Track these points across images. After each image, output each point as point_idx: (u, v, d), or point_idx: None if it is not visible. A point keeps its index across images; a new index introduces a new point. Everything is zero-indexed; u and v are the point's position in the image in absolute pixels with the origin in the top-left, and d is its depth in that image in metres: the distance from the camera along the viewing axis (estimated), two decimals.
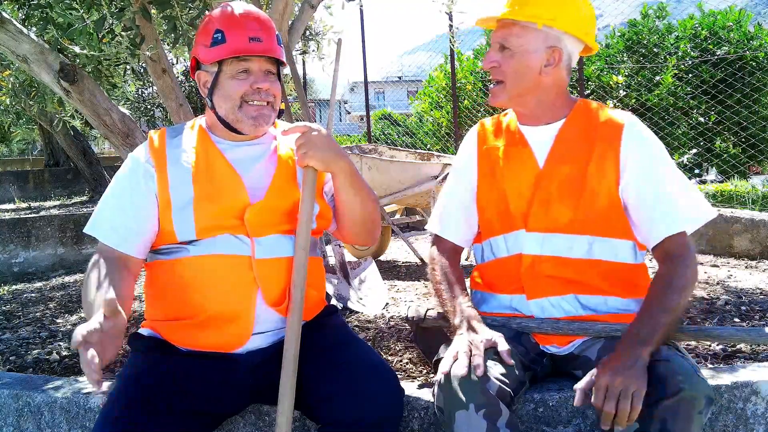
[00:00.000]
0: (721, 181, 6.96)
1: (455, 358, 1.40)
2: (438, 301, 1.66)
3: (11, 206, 8.35)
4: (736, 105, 7.43)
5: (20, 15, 2.94)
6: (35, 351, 2.72)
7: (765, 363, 1.91)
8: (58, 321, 3.32)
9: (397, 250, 5.23)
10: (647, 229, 1.54)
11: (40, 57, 2.64)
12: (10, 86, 3.71)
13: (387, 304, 3.09)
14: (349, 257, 4.61)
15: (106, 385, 1.97)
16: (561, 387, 1.67)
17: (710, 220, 1.54)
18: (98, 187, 8.34)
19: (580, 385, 1.33)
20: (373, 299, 3.13)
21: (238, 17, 1.56)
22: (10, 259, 5.24)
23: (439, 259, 1.72)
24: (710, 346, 2.18)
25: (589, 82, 8.23)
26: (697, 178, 7.72)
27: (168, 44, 3.11)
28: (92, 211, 1.72)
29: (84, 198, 8.77)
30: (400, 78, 26.58)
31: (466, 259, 4.25)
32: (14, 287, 4.56)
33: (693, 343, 2.17)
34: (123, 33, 2.51)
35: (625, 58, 8.43)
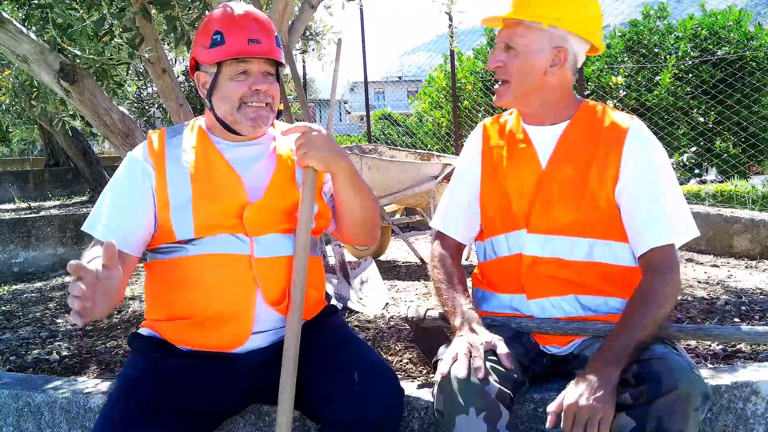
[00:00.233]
0: (721, 181, 6.96)
1: (454, 359, 1.40)
2: (438, 300, 1.66)
3: (11, 206, 8.35)
4: (736, 105, 7.43)
5: (20, 15, 2.94)
6: (35, 351, 2.72)
7: (765, 363, 1.91)
8: (58, 321, 3.32)
9: (397, 250, 5.23)
10: (634, 236, 1.54)
11: (40, 57, 2.64)
12: (9, 86, 3.71)
13: (387, 304, 3.09)
14: (349, 257, 4.61)
15: (106, 385, 1.98)
16: (561, 387, 1.65)
17: (695, 236, 1.54)
18: (98, 187, 8.34)
19: (551, 408, 1.33)
20: (373, 299, 3.13)
21: (238, 18, 1.56)
22: (10, 259, 5.24)
23: (441, 258, 1.71)
24: (710, 346, 2.18)
25: (589, 83, 8.23)
26: (697, 178, 7.72)
27: (168, 44, 3.11)
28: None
29: (84, 198, 8.76)
30: (400, 78, 26.58)
31: (467, 259, 4.25)
32: (14, 287, 4.56)
33: (693, 343, 2.17)
34: (123, 33, 2.51)
35: (625, 58, 8.43)
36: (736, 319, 2.55)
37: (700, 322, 2.51)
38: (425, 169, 4.33)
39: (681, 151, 7.86)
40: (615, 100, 8.14)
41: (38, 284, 4.60)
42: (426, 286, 3.49)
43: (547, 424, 1.32)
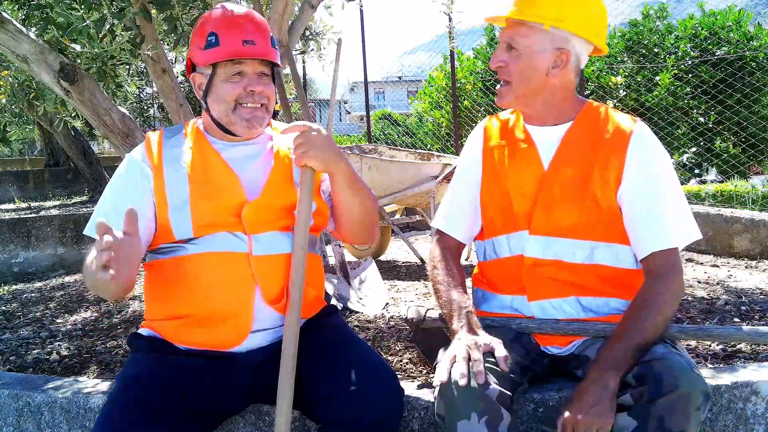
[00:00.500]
0: (721, 181, 6.95)
1: (453, 362, 1.39)
2: (437, 301, 1.65)
3: (11, 206, 8.35)
4: (736, 105, 7.43)
5: (20, 15, 2.94)
6: (35, 351, 2.72)
7: (765, 363, 1.91)
8: (58, 321, 3.31)
9: (397, 250, 5.23)
10: (636, 240, 1.53)
11: (40, 57, 2.64)
12: (8, 86, 3.71)
13: (387, 304, 3.09)
14: (349, 257, 4.61)
15: (106, 385, 1.98)
16: (561, 387, 1.67)
17: (698, 239, 1.54)
18: (98, 187, 8.34)
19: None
20: (373, 299, 3.13)
21: (232, 19, 1.56)
22: (10, 259, 5.24)
23: (441, 258, 1.70)
24: (710, 346, 2.18)
25: (589, 83, 8.23)
26: (697, 178, 7.71)
27: (168, 44, 3.11)
28: (92, 211, 1.73)
29: (84, 198, 8.76)
30: (400, 78, 26.59)
31: (467, 259, 4.25)
32: (14, 287, 4.56)
33: (693, 342, 2.17)
34: (123, 33, 2.51)
35: (625, 58, 8.43)
36: (736, 319, 2.55)
37: (700, 322, 2.51)
38: (425, 169, 4.33)
39: (681, 151, 7.86)
40: (615, 100, 8.14)
41: (38, 284, 4.60)
42: (426, 286, 3.49)
43: None
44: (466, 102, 9.17)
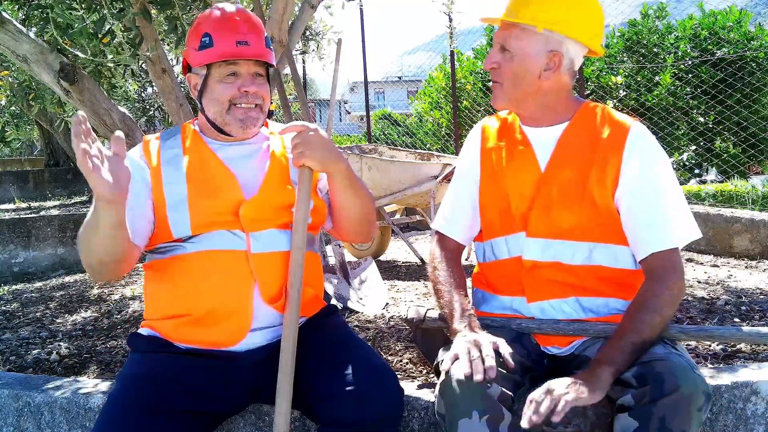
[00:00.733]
0: (721, 181, 6.95)
1: (456, 358, 1.39)
2: (438, 303, 1.65)
3: (11, 206, 8.35)
4: (736, 105, 7.42)
5: (20, 15, 2.94)
6: (35, 351, 2.72)
7: (765, 363, 1.91)
8: (58, 321, 3.32)
9: (397, 250, 5.23)
10: (634, 241, 1.53)
11: (40, 57, 2.64)
12: (8, 86, 3.71)
13: (387, 304, 3.09)
14: (349, 257, 4.61)
15: (106, 385, 1.98)
16: None
17: (697, 237, 1.53)
18: None
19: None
20: (373, 299, 3.13)
21: (226, 20, 1.57)
22: (10, 259, 5.24)
23: (441, 259, 1.70)
24: (710, 346, 2.18)
25: (589, 83, 8.22)
26: (697, 178, 7.71)
27: (169, 45, 3.11)
28: None
29: (84, 198, 8.76)
30: (400, 78, 26.61)
31: (467, 259, 4.25)
32: (14, 287, 4.56)
33: (693, 343, 2.17)
34: (122, 33, 2.51)
35: (625, 58, 8.43)
36: (736, 319, 2.55)
37: (700, 322, 2.51)
38: (425, 169, 4.33)
39: (681, 151, 7.86)
40: (615, 101, 8.13)
41: (38, 284, 4.60)
42: (426, 286, 3.49)
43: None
44: (465, 102, 9.17)
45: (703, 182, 7.09)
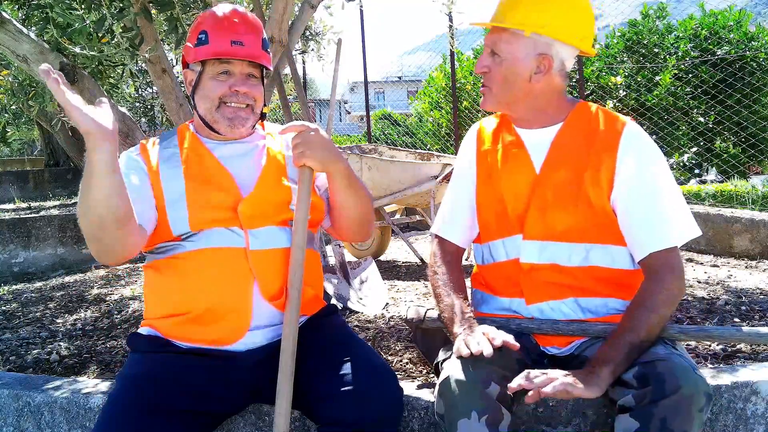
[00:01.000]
0: (721, 181, 6.95)
1: (459, 353, 1.38)
2: (438, 306, 1.65)
3: (11, 206, 8.34)
4: (736, 105, 7.42)
5: (20, 15, 2.94)
6: (35, 351, 2.72)
7: (765, 363, 1.91)
8: (58, 321, 3.32)
9: (397, 250, 5.23)
10: (632, 241, 1.53)
11: (40, 57, 2.64)
12: (8, 86, 3.71)
13: (387, 304, 3.09)
14: (349, 257, 4.61)
15: (106, 385, 1.98)
16: None
17: (697, 235, 1.53)
18: None
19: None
20: (373, 299, 3.13)
21: (224, 19, 1.59)
22: (10, 259, 5.24)
23: (441, 263, 1.70)
24: (710, 346, 2.18)
25: (589, 83, 8.22)
26: (697, 178, 7.71)
27: (169, 45, 3.11)
28: None
29: None
30: (400, 78, 26.64)
31: (466, 259, 4.25)
32: (14, 287, 4.56)
33: (693, 343, 2.17)
34: (123, 33, 2.51)
35: (625, 59, 8.43)
36: (736, 319, 2.55)
37: (700, 322, 2.51)
38: (425, 169, 4.33)
39: (681, 151, 7.86)
40: (615, 101, 8.13)
41: (38, 284, 4.60)
42: (426, 286, 3.49)
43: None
44: (465, 102, 9.16)
45: (703, 182, 7.09)
